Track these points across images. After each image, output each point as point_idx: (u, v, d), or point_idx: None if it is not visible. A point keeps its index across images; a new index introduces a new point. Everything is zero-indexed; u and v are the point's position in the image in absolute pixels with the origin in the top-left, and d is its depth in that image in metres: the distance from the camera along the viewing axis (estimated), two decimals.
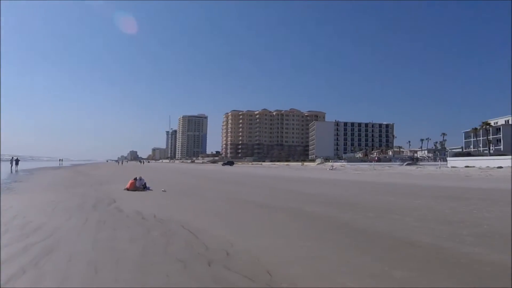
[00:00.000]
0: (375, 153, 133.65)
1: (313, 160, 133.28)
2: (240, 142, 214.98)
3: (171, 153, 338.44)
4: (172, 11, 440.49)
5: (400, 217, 9.03)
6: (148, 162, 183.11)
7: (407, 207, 11.22)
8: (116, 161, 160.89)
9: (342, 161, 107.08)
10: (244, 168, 71.60)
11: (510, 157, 54.11)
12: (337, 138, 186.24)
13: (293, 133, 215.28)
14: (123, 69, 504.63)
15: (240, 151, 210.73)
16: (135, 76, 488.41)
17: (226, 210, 10.71)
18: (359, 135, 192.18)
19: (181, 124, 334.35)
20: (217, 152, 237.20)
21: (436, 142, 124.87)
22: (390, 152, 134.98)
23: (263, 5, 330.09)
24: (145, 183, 17.03)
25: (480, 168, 47.54)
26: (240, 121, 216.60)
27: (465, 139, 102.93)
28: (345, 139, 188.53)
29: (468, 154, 72.87)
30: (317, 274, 4.52)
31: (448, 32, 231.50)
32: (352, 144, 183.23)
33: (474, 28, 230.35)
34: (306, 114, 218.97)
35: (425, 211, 10.25)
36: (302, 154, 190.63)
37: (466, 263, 4.96)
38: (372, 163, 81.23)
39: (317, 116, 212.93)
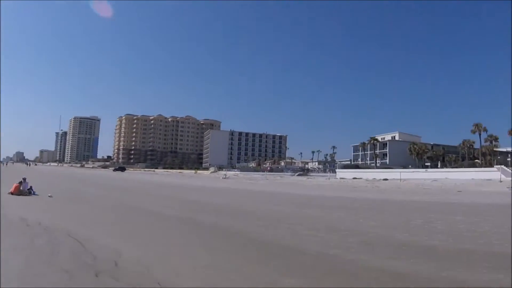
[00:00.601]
0: (268, 163, 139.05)
1: (206, 169, 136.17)
2: (133, 148, 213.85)
3: (60, 156, 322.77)
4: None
5: (291, 226, 9.62)
6: (35, 164, 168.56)
7: (298, 216, 12.07)
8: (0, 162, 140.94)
9: (236, 170, 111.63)
10: (136, 175, 71.29)
11: (395, 170, 61.59)
12: (232, 147, 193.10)
13: (188, 140, 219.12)
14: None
15: (132, 156, 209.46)
16: (24, 67, 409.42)
17: (115, 218, 10.65)
18: (253, 145, 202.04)
19: (72, 125, 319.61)
20: (109, 157, 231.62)
21: (327, 155, 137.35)
22: (283, 163, 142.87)
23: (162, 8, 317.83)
24: (30, 187, 16.60)
25: (367, 180, 52.87)
26: (134, 125, 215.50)
27: (353, 152, 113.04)
28: (239, 149, 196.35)
29: (356, 167, 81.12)
30: (207, 283, 4.57)
31: (343, 47, 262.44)
32: (246, 154, 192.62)
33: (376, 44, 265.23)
34: (201, 122, 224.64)
35: (314, 220, 11.06)
36: (196, 162, 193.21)
37: (352, 270, 5.39)
38: (265, 173, 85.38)
39: (212, 125, 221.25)
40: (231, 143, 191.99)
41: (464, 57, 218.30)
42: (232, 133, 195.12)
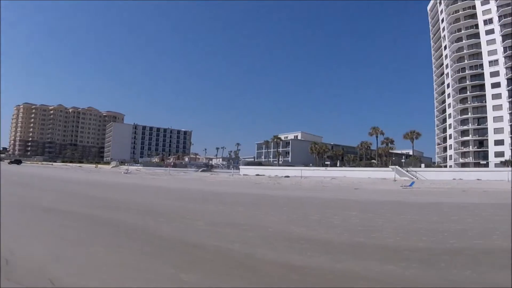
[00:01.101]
0: (172, 159, 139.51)
1: (108, 163, 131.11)
2: (31, 139, 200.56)
3: None
4: None
5: (191, 221, 9.65)
6: None
7: (199, 211, 12.11)
8: None
9: (138, 165, 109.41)
10: (33, 168, 66.97)
11: (297, 168, 65.86)
12: (135, 142, 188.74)
13: (89, 132, 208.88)
14: None
15: (30, 149, 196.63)
16: None
17: (7, 214, 9.90)
18: (157, 139, 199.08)
19: None
20: (4, 149, 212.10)
21: (231, 151, 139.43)
22: (187, 158, 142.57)
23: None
24: None
25: (269, 176, 55.27)
26: (33, 115, 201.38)
27: (257, 150, 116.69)
28: (143, 143, 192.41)
29: (259, 164, 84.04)
30: (103, 281, 4.46)
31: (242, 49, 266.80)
32: (149, 149, 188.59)
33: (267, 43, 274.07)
34: (104, 114, 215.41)
35: (215, 215, 11.24)
36: (97, 155, 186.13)
37: (250, 263, 5.53)
38: (168, 168, 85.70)
39: (115, 117, 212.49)
40: (135, 137, 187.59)
41: (366, 64, 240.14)
42: (135, 126, 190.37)
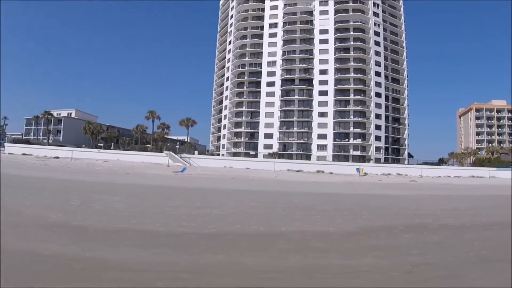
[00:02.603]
0: None
1: None
2: None
3: None
4: None
5: None
6: None
7: None
8: None
9: None
10: None
11: (68, 148, 62.85)
12: None
13: None
14: None
15: None
16: None
17: None
18: None
19: None
20: None
21: None
22: None
23: None
24: None
25: (37, 156, 51.64)
26: None
27: (26, 126, 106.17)
28: None
29: (27, 142, 76.97)
30: None
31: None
32: None
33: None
34: None
35: None
36: None
37: None
38: None
39: None
40: None
41: (148, 46, 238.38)
42: None
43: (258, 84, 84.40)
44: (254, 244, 7.13)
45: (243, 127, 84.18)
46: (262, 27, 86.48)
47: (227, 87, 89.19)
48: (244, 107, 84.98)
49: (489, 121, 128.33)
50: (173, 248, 6.35)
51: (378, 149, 79.71)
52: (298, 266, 5.65)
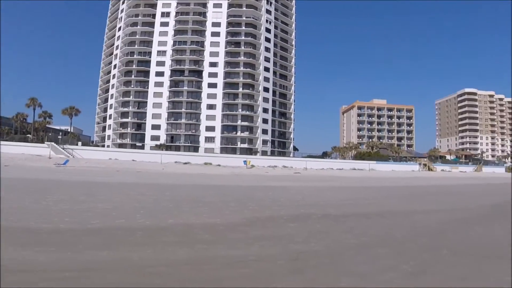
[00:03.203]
0: None
1: None
2: None
3: None
4: None
5: None
6: None
7: None
8: None
9: None
10: None
11: None
12: None
13: None
14: None
15: None
16: None
17: None
18: None
19: None
20: None
21: None
22: None
23: None
24: None
25: None
26: None
27: None
28: None
29: None
30: None
31: None
32: None
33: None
34: None
35: None
36: None
37: None
38: None
39: None
40: None
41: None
42: None
43: (146, 73, 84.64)
44: (141, 238, 7.22)
45: (130, 118, 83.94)
46: (154, 15, 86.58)
47: (114, 75, 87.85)
48: (131, 96, 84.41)
49: (370, 118, 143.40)
50: (56, 246, 6.25)
51: (265, 142, 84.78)
52: (185, 259, 5.88)
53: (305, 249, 6.85)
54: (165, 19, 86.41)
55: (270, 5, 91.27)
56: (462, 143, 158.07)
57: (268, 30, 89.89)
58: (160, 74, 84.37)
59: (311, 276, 5.31)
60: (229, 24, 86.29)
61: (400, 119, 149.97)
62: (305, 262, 5.94)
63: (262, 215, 10.83)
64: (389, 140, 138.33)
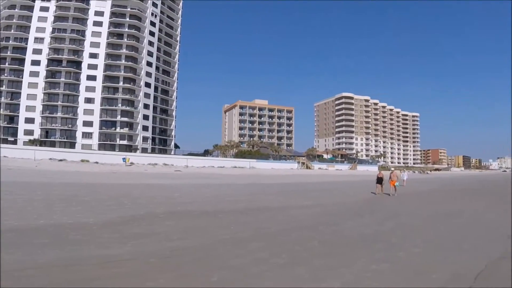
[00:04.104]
0: None
1: None
2: None
3: None
4: None
5: None
6: None
7: None
8: None
9: None
10: None
11: None
12: None
13: None
14: None
15: None
16: None
17: None
18: None
19: None
20: None
21: None
22: None
23: None
24: None
25: None
26: None
27: None
28: None
29: None
30: None
31: None
32: None
33: None
34: None
35: None
36: None
37: None
38: None
39: None
40: None
41: None
42: None
43: (21, 61, 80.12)
44: (10, 240, 7.06)
45: (1, 110, 78.91)
46: None
47: None
48: (4, 86, 79.09)
49: (251, 117, 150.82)
50: None
51: (145, 139, 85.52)
52: (56, 260, 5.90)
53: (180, 246, 7.22)
54: (45, 4, 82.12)
55: None
56: (339, 143, 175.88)
57: (153, 24, 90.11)
58: (36, 63, 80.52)
59: (184, 272, 5.63)
60: (113, 14, 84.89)
61: (281, 120, 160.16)
62: (180, 259, 6.31)
63: (138, 213, 11.22)
64: (270, 140, 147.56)
